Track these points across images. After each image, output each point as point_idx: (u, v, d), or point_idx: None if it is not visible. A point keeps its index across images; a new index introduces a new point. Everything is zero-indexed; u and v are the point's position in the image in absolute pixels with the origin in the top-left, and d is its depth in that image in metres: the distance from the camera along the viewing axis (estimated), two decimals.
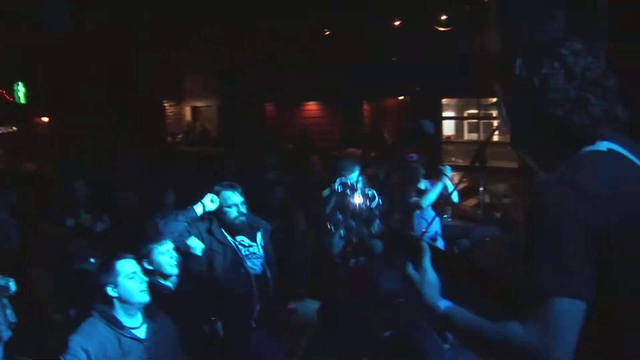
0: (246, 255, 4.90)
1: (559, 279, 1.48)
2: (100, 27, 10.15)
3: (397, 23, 10.37)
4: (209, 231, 4.83)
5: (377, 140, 12.27)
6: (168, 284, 4.38)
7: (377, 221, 2.07)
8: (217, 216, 4.90)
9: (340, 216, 2.14)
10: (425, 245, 1.86)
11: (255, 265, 4.94)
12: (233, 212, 4.85)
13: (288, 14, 10.07)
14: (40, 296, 8.63)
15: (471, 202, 9.20)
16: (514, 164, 6.91)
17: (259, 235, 5.08)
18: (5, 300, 6.00)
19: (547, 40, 1.86)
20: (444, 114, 14.51)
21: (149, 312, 3.73)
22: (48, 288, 8.42)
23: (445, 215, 7.66)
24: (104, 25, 10.14)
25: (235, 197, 4.88)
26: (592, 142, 1.65)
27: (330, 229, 2.16)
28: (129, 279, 3.58)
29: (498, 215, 8.60)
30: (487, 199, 8.50)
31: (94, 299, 3.65)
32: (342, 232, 2.19)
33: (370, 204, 2.15)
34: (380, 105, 14.83)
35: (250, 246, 4.96)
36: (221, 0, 9.41)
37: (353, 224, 2.12)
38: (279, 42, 12.41)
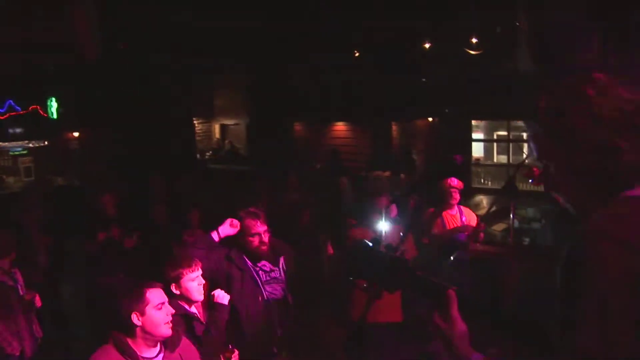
0: (266, 280, 4.83)
1: (607, 344, 1.33)
2: (132, 47, 10.22)
3: (427, 45, 10.29)
4: (228, 257, 4.77)
5: (406, 162, 12.17)
6: (193, 309, 4.33)
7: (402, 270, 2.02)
8: (238, 242, 4.88)
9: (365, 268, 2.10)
10: (452, 293, 1.78)
11: (275, 290, 4.87)
12: (255, 241, 4.80)
13: (318, 34, 10.06)
14: (68, 312, 8.69)
15: (500, 226, 9.06)
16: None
17: (281, 260, 5.01)
18: (31, 315, 6.04)
19: (572, 74, 1.60)
20: (474, 136, 14.38)
21: (169, 342, 3.65)
22: (76, 304, 8.47)
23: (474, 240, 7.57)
24: (134, 45, 10.22)
25: (258, 227, 4.82)
26: (631, 187, 1.48)
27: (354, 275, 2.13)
28: (157, 309, 3.51)
29: (527, 240, 8.46)
30: (516, 224, 8.35)
31: (113, 325, 3.58)
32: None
33: (396, 252, 2.09)
34: (410, 126, 14.75)
35: (272, 271, 4.89)
36: (253, 20, 9.41)
37: (379, 275, 2.07)
38: (309, 61, 12.41)
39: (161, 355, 3.53)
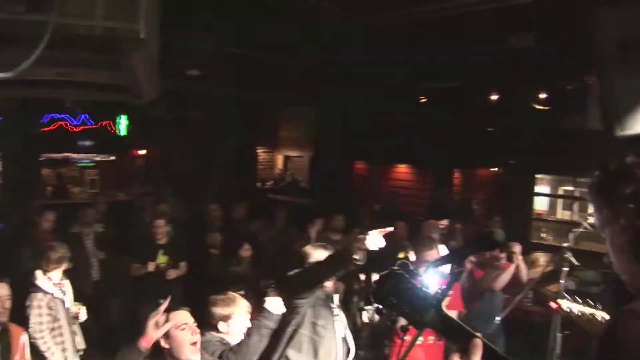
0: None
1: None
2: (201, 75, 10.44)
3: (494, 97, 10.19)
4: None
5: (465, 212, 11.97)
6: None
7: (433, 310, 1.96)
8: None
9: (394, 300, 2.04)
10: (478, 342, 1.73)
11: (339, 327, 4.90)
12: None
13: (387, 77, 10.07)
14: (114, 326, 8.81)
15: (556, 287, 8.74)
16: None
17: (335, 298, 5.01)
18: (75, 327, 6.14)
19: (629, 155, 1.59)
20: (538, 189, 14.04)
21: None
22: (122, 319, 8.58)
23: (524, 300, 7.35)
24: (205, 72, 10.42)
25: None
26: None
27: (381, 310, 2.06)
28: (180, 330, 3.52)
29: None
30: (572, 286, 8.05)
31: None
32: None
33: (429, 289, 2.04)
34: (472, 174, 14.54)
35: (337, 315, 4.92)
36: (320, 52, 9.50)
37: (407, 310, 2.01)
38: (375, 101, 12.42)
39: None
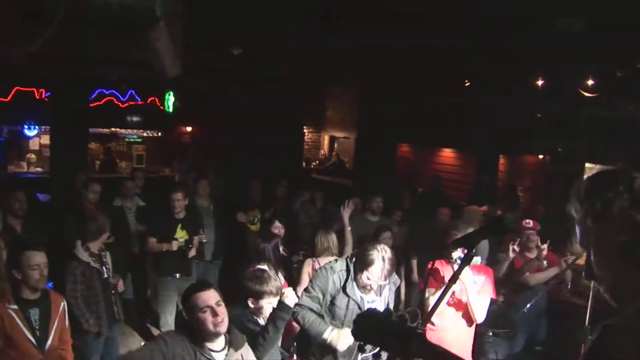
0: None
1: None
2: (245, 52, 10.44)
3: (541, 82, 9.94)
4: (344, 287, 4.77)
5: (509, 198, 11.77)
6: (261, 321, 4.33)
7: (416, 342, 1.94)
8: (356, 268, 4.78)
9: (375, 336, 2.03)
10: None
11: None
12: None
13: (436, 61, 9.93)
14: (151, 299, 8.94)
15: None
16: None
17: (386, 289, 4.90)
18: (115, 297, 6.27)
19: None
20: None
21: (233, 339, 3.71)
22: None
23: (564, 290, 7.23)
24: (248, 50, 10.43)
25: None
26: None
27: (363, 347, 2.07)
28: (202, 312, 3.57)
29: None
30: None
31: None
32: None
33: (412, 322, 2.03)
34: (518, 161, 14.30)
35: (373, 302, 4.82)
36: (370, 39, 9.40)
37: (389, 343, 2.01)
38: (424, 84, 12.27)
39: (226, 351, 3.66)
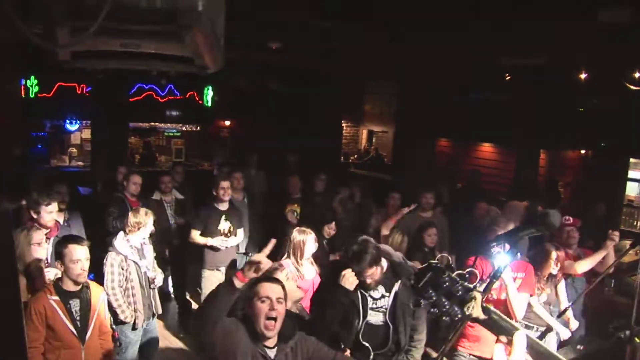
0: (371, 307, 4.68)
1: None
2: (284, 47, 10.45)
3: (584, 76, 9.74)
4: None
5: (550, 194, 11.62)
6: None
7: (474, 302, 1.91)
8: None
9: (432, 293, 1.99)
10: (521, 335, 1.67)
11: (377, 316, 4.69)
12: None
13: (471, 51, 9.80)
14: (190, 293, 9.02)
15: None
16: None
17: (397, 285, 4.77)
18: (153, 291, 6.32)
19: None
20: (630, 175, 13.48)
21: (282, 332, 3.69)
22: (197, 285, 8.74)
23: (606, 289, 7.09)
24: (287, 45, 10.44)
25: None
26: None
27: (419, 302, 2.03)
28: (261, 302, 3.57)
29: None
30: None
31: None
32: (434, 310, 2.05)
33: (469, 283, 1.98)
34: (559, 156, 14.09)
35: (382, 297, 4.71)
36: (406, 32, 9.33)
37: (446, 303, 1.97)
38: (463, 78, 12.14)
39: (277, 347, 3.65)
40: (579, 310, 6.82)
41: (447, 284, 1.99)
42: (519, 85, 11.43)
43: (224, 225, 7.58)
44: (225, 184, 7.64)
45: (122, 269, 5.89)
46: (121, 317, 5.80)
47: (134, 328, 6.00)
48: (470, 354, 5.55)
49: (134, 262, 5.97)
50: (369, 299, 4.59)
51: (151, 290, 6.20)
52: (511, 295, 5.17)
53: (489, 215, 8.48)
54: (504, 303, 5.22)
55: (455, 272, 2.06)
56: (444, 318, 2.05)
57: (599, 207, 9.59)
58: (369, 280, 4.50)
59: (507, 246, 2.39)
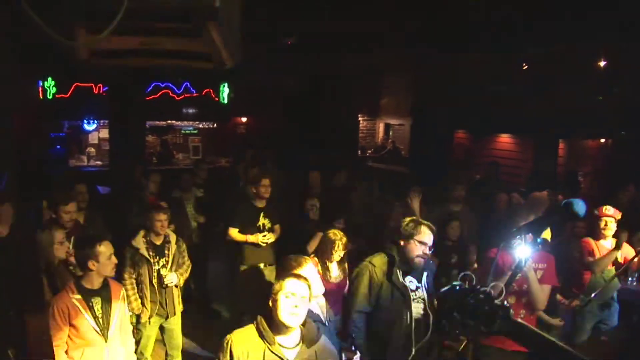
0: (413, 299, 4.77)
1: None
2: (300, 42, 10.43)
3: (602, 63, 9.63)
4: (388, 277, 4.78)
5: (569, 183, 11.51)
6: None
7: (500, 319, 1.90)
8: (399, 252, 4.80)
9: (457, 315, 1.98)
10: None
11: (418, 309, 4.79)
12: (418, 250, 4.73)
13: (488, 42, 9.73)
14: (212, 289, 9.04)
15: None
16: None
17: (424, 277, 4.91)
18: (170, 290, 6.33)
19: None
20: None
21: (307, 335, 3.68)
22: (220, 283, 8.77)
23: (630, 279, 7.00)
24: (303, 40, 10.42)
25: (430, 238, 4.76)
26: None
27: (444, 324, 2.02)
28: (285, 297, 3.58)
29: None
30: None
31: (260, 308, 3.75)
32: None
33: (496, 298, 1.97)
34: (578, 145, 13.95)
35: (417, 289, 4.82)
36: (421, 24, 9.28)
37: (472, 324, 1.95)
38: (478, 70, 12.06)
39: (298, 348, 3.63)
40: (607, 302, 6.75)
41: (472, 304, 1.97)
42: (536, 74, 11.33)
43: (263, 222, 7.56)
44: (266, 181, 7.58)
45: (133, 262, 6.04)
46: (129, 307, 5.83)
47: (140, 322, 6.12)
48: (492, 345, 5.51)
49: (145, 257, 6.03)
50: (410, 291, 4.73)
51: (164, 289, 6.19)
52: (533, 287, 5.14)
53: (511, 204, 8.45)
54: (526, 294, 5.19)
55: (481, 290, 2.03)
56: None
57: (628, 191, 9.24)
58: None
59: (529, 237, 2.37)
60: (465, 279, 2.04)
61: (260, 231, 7.51)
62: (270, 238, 7.49)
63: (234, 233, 7.52)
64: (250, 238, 7.44)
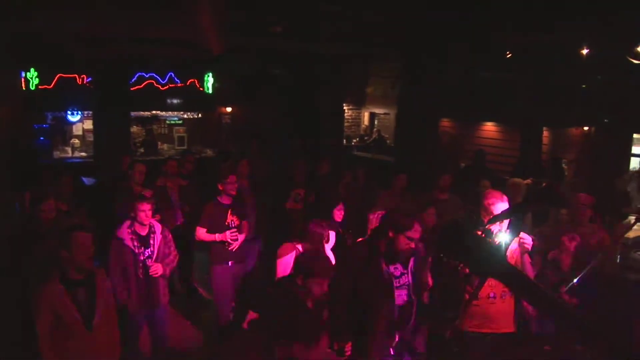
0: (397, 287, 4.77)
1: None
2: (285, 31, 10.39)
3: (585, 51, 9.65)
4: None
5: (554, 171, 11.59)
6: None
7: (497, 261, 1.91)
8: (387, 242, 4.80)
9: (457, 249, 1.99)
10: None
11: (401, 295, 4.79)
12: (406, 244, 4.71)
13: (471, 31, 9.74)
14: (197, 279, 9.02)
15: None
16: None
17: (411, 261, 4.89)
18: (156, 281, 6.31)
19: None
20: (634, 150, 13.42)
21: None
22: (204, 272, 8.74)
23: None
24: (288, 29, 10.38)
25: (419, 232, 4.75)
26: None
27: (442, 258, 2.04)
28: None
29: None
30: None
31: None
32: None
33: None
34: (562, 133, 14.03)
35: (403, 275, 4.81)
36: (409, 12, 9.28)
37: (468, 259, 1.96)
38: (464, 58, 12.06)
39: None
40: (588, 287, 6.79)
41: (471, 241, 1.96)
42: (520, 62, 11.36)
43: (231, 219, 7.47)
44: (232, 178, 7.46)
45: (116, 251, 6.05)
46: (116, 296, 5.82)
47: (126, 311, 6.09)
48: (479, 332, 5.52)
49: (128, 247, 6.01)
50: (394, 278, 4.73)
51: (150, 279, 6.16)
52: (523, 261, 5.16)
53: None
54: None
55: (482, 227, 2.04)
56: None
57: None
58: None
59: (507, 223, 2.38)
60: (468, 216, 2.06)
61: (229, 229, 7.41)
62: (239, 235, 7.43)
63: (202, 233, 7.43)
64: (219, 236, 7.35)
